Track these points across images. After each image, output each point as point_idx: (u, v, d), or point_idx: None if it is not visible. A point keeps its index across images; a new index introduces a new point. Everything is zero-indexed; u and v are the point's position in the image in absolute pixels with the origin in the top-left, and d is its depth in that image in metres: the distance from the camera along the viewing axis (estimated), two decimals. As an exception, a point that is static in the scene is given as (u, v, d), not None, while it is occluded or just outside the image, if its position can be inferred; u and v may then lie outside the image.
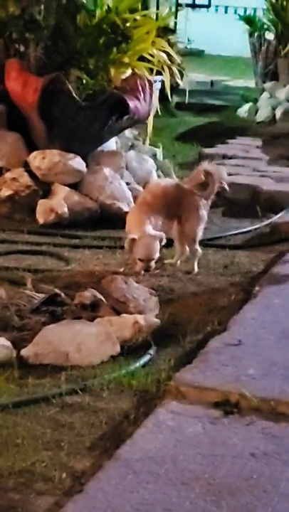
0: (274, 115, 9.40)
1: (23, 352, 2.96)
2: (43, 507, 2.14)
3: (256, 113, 9.58)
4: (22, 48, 5.05)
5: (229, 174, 5.96)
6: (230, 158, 6.80)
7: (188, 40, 12.05)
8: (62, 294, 3.35)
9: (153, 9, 7.79)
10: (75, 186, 4.89)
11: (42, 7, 4.92)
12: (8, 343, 2.97)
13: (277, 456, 2.34)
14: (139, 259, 3.84)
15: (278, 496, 2.15)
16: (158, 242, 3.86)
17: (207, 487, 2.19)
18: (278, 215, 5.15)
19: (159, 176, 5.56)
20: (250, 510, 2.09)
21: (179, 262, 4.09)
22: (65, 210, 4.73)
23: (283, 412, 2.58)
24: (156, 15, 5.56)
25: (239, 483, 2.20)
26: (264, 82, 10.25)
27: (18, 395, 2.72)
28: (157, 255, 3.86)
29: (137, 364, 2.97)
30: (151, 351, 3.08)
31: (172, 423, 2.51)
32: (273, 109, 9.48)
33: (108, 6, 5.06)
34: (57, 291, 3.38)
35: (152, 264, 3.85)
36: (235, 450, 2.37)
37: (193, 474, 2.24)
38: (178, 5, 11.09)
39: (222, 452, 2.36)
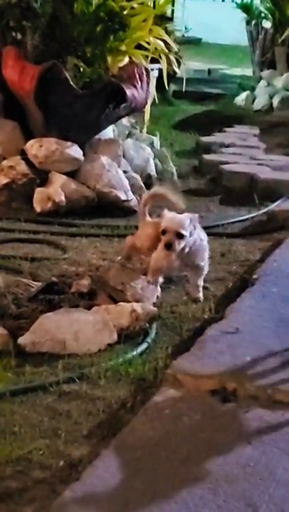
0: (271, 103, 9.39)
1: (21, 340, 2.96)
2: (40, 495, 2.15)
3: (253, 101, 9.57)
4: (19, 36, 5.02)
5: (226, 162, 5.99)
6: (228, 146, 6.79)
7: (186, 29, 12.01)
8: (60, 283, 3.35)
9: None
10: (72, 174, 4.88)
11: (39, -5, 4.90)
12: (6, 332, 2.97)
13: (274, 444, 2.35)
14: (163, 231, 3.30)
15: (275, 483, 2.16)
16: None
17: (204, 474, 2.19)
18: (275, 204, 5.15)
19: (156, 165, 5.56)
20: (247, 498, 2.09)
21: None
22: (62, 198, 4.72)
23: (280, 399, 2.59)
24: (154, 3, 5.53)
25: (236, 471, 2.21)
26: (261, 70, 10.22)
27: (15, 383, 2.72)
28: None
29: (134, 352, 2.98)
30: (149, 339, 3.08)
31: (169, 411, 2.51)
32: (270, 97, 9.46)
33: (105, -6, 5.04)
34: (54, 279, 3.38)
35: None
36: (232, 438, 2.37)
37: (191, 462, 2.25)
38: (175, -7, 11.05)
39: (219, 440, 2.36)
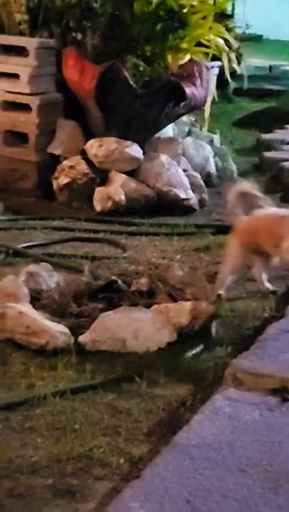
0: None
1: (81, 338, 2.98)
2: (101, 492, 2.16)
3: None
4: (79, 36, 5.06)
5: (287, 160, 5.93)
6: (288, 143, 6.72)
7: (246, 25, 11.93)
8: (120, 281, 3.37)
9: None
10: (132, 173, 4.90)
11: (98, -5, 4.93)
12: (67, 330, 3.00)
13: None
14: None
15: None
16: None
17: (264, 474, 2.18)
18: None
19: (216, 163, 5.54)
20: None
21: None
22: (122, 197, 4.74)
23: None
24: (214, 0, 5.52)
25: None
26: None
27: (76, 381, 2.75)
28: None
29: (194, 351, 2.98)
30: (208, 338, 3.07)
31: (229, 410, 2.50)
32: None
33: (164, -8, 5.04)
34: (114, 278, 3.40)
35: None
36: (292, 437, 2.36)
37: (250, 461, 2.24)
38: (235, -10, 10.97)
39: (279, 439, 2.35)
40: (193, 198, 4.89)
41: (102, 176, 4.86)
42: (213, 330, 3.14)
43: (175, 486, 2.12)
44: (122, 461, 2.30)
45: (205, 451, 2.28)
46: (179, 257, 3.98)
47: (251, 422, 2.44)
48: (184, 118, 5.62)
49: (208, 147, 5.56)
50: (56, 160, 4.96)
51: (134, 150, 4.93)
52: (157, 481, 2.14)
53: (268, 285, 3.55)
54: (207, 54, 5.31)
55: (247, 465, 2.22)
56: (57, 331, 2.96)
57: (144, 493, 2.09)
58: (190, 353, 2.95)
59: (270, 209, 3.43)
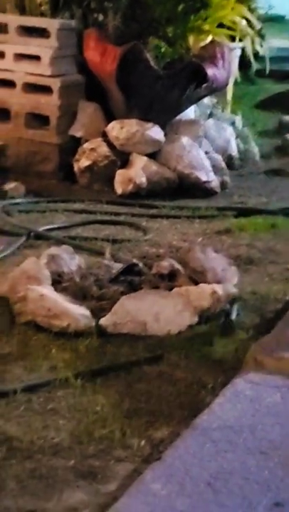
0: None
1: (102, 321, 2.99)
2: (122, 473, 2.17)
3: None
4: (100, 18, 5.05)
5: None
6: (311, 125, 6.67)
7: (269, 6, 11.81)
8: (141, 264, 3.36)
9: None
10: (153, 156, 4.88)
11: (120, -24, 4.91)
12: (88, 313, 3.00)
13: None
14: None
15: None
16: None
17: (286, 457, 2.18)
18: None
19: (238, 145, 5.51)
20: None
21: None
22: (143, 180, 4.73)
23: None
24: (236, -20, 5.48)
25: None
26: None
27: (97, 363, 2.76)
28: None
29: (215, 334, 2.97)
30: (230, 321, 3.07)
31: (250, 393, 2.50)
32: None
33: (186, -27, 5.01)
34: (135, 260, 3.40)
35: None
36: (314, 421, 2.35)
37: (271, 444, 2.24)
38: None
39: (301, 422, 2.35)
40: (214, 181, 4.87)
41: (123, 159, 4.85)
42: (234, 313, 3.13)
43: (196, 468, 2.12)
44: (143, 443, 2.31)
45: (226, 433, 2.28)
46: (200, 239, 3.97)
47: (272, 404, 2.44)
48: (206, 100, 5.59)
49: (230, 129, 5.53)
50: (77, 142, 4.95)
51: (156, 132, 4.91)
52: (178, 463, 2.14)
53: None
54: (229, 35, 5.27)
55: (268, 448, 2.22)
56: (78, 313, 2.97)
57: (165, 475, 2.10)
58: (211, 336, 2.94)
59: None
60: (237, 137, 5.57)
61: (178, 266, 3.32)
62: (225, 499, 2.01)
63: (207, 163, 4.92)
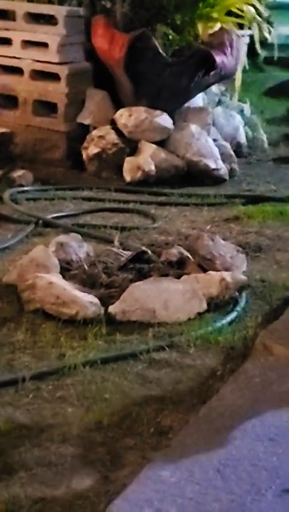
0: None
1: (111, 309, 2.99)
2: (131, 461, 2.18)
3: None
4: (108, 5, 5.02)
5: None
6: None
7: (277, -6, 11.73)
8: (149, 252, 3.36)
9: None
10: (161, 143, 4.87)
11: None
12: (97, 300, 3.00)
13: None
14: None
15: None
16: None
17: (294, 443, 2.18)
18: None
19: (246, 132, 5.49)
20: None
21: None
22: (152, 167, 4.72)
23: None
24: None
25: None
26: None
27: (106, 351, 2.76)
28: None
29: (224, 321, 2.97)
30: (238, 308, 3.07)
31: (259, 379, 2.50)
32: None
33: None
34: (144, 248, 3.40)
35: None
36: None
37: (280, 430, 2.24)
38: None
39: (310, 409, 2.34)
40: (223, 168, 4.85)
41: (131, 146, 4.84)
42: (243, 300, 3.13)
43: (205, 455, 2.12)
44: (152, 430, 2.31)
45: (235, 420, 2.28)
46: (208, 227, 3.96)
47: (281, 391, 2.43)
48: (214, 87, 5.57)
49: (239, 117, 5.51)
50: (86, 130, 4.94)
51: (164, 120, 4.90)
52: (187, 450, 2.15)
53: None
54: (237, 23, 5.24)
55: (277, 434, 2.22)
56: (87, 301, 2.97)
57: (174, 462, 2.10)
58: (220, 323, 2.94)
59: None
60: (245, 125, 5.55)
61: (187, 253, 3.32)
62: (234, 486, 2.01)
63: (216, 151, 4.90)
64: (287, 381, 2.49)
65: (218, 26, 5.15)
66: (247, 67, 5.87)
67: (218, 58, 4.90)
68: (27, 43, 5.05)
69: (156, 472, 2.05)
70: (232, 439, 2.20)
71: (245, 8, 5.25)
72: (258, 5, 5.44)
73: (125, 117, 4.86)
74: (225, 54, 4.98)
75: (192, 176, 4.81)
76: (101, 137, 4.85)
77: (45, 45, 4.97)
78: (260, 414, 2.31)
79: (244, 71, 5.66)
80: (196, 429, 2.24)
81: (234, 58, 5.05)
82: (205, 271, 3.24)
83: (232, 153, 5.08)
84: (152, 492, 1.97)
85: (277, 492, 1.99)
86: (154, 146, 4.82)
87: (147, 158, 4.74)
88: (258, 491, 1.99)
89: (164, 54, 4.83)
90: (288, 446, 2.16)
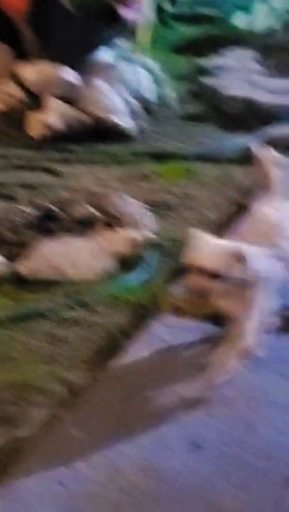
0: (271, 25, 9.20)
1: (19, 267, 2.95)
2: (40, 418, 2.17)
3: (252, 23, 9.37)
4: None
5: (224, 86, 5.89)
6: (226, 70, 6.67)
7: None
8: (57, 210, 3.33)
9: None
10: (68, 99, 4.81)
11: None
12: (3, 259, 2.97)
13: (272, 368, 2.36)
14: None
15: (273, 405, 2.19)
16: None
17: (201, 398, 2.22)
18: (274, 128, 5.08)
19: (154, 89, 5.47)
20: (245, 421, 2.12)
21: None
22: (58, 123, 4.66)
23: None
24: None
25: (234, 395, 2.23)
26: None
27: (14, 309, 2.73)
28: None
29: (132, 279, 2.98)
30: (146, 266, 3.08)
31: (167, 336, 2.53)
32: (270, 19, 9.27)
33: None
34: (51, 206, 3.36)
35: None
36: (229, 363, 2.39)
37: (185, 383, 2.27)
38: None
39: (217, 365, 2.38)
40: (131, 125, 4.83)
41: (36, 102, 4.76)
42: (151, 258, 3.14)
43: (114, 410, 2.14)
44: (60, 388, 2.31)
45: (142, 376, 2.30)
46: (116, 185, 3.95)
47: (189, 348, 2.47)
48: (121, 43, 5.52)
49: (147, 73, 5.48)
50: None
51: (70, 74, 4.83)
52: (96, 407, 2.16)
53: None
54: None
55: (184, 390, 2.25)
56: (-7, 259, 2.93)
57: (84, 419, 2.11)
58: (129, 281, 2.96)
59: None
60: (153, 82, 5.53)
61: (95, 211, 3.31)
62: (142, 441, 2.03)
63: (123, 108, 4.87)
64: (195, 338, 2.52)
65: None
66: (153, 23, 5.83)
67: (124, 13, 4.85)
68: None
69: (66, 429, 2.06)
70: (139, 393, 2.22)
71: None
72: None
73: (29, 72, 4.77)
74: (131, 8, 4.93)
75: (100, 132, 4.76)
76: (4, 93, 4.74)
77: None
78: (169, 370, 2.34)
79: (151, 27, 5.62)
80: (104, 386, 2.26)
81: (139, 13, 5.01)
82: (113, 229, 3.24)
83: (140, 110, 5.06)
84: (61, 449, 1.98)
85: (185, 445, 2.02)
86: (59, 101, 4.74)
87: (53, 114, 4.67)
88: (166, 445, 2.02)
89: (69, 7, 4.75)
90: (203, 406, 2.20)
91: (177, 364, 2.38)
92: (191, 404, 2.18)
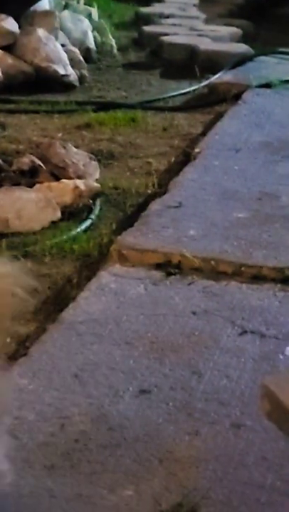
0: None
1: None
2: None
3: None
4: None
5: (167, 34, 5.84)
6: (167, 17, 6.61)
7: None
8: (1, 161, 3.29)
9: None
10: (7, 48, 4.71)
11: None
12: None
13: (218, 313, 2.39)
14: None
15: (219, 350, 2.22)
16: None
17: (150, 345, 2.23)
18: (216, 76, 5.06)
19: (94, 37, 5.40)
20: (192, 366, 2.15)
21: None
22: (-1, 73, 4.58)
23: (223, 270, 2.63)
24: None
25: (181, 341, 2.25)
26: None
27: None
28: None
29: (79, 229, 2.97)
30: (92, 216, 3.07)
31: (115, 285, 2.53)
32: None
33: None
34: (-5, 158, 3.32)
35: None
36: (177, 309, 2.41)
37: (136, 334, 2.29)
38: None
39: (164, 312, 2.40)
40: (72, 74, 4.77)
41: (-25, 52, 4.66)
42: (97, 208, 3.13)
43: (63, 362, 2.14)
44: (8, 340, 2.29)
45: (92, 326, 2.31)
46: (60, 135, 3.91)
47: (136, 296, 2.48)
48: (61, -10, 5.42)
49: (87, 21, 5.40)
50: None
51: (9, 23, 4.73)
52: (45, 358, 2.16)
53: None
54: None
55: (133, 338, 2.27)
56: None
57: (32, 370, 2.11)
58: (74, 231, 2.94)
59: None
60: (93, 30, 5.45)
61: (38, 162, 3.27)
62: (92, 390, 2.04)
63: (64, 57, 4.80)
64: (142, 286, 2.53)
65: None
66: None
67: None
68: None
69: (13, 381, 2.06)
70: (89, 344, 2.23)
71: None
72: None
73: None
74: None
75: (41, 82, 4.70)
76: None
77: None
78: (116, 320, 2.35)
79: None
80: (53, 337, 2.26)
81: None
82: (58, 179, 3.21)
83: (81, 58, 5.00)
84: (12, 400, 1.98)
85: (135, 393, 2.04)
86: (-1, 51, 4.66)
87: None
88: (116, 393, 2.04)
89: None
90: (144, 349, 2.22)
91: (125, 312, 2.39)
92: (140, 352, 2.19)
